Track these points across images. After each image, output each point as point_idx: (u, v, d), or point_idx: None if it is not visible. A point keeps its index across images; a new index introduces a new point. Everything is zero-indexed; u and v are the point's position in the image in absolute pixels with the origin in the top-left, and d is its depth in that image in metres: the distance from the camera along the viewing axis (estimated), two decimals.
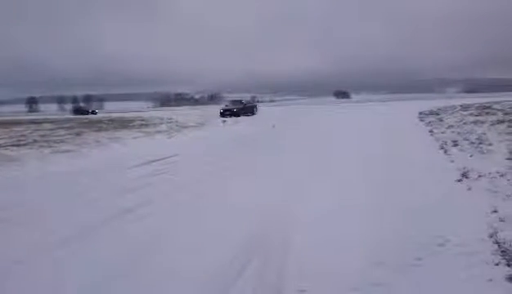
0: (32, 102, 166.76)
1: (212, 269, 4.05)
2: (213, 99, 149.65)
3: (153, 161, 11.04)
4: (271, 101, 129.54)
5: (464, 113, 21.13)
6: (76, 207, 6.55)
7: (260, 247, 4.56)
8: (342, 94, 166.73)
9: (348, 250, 4.36)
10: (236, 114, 32.74)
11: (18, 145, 14.80)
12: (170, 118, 30.26)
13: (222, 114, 32.80)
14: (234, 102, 36.99)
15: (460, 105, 29.39)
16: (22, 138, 18.48)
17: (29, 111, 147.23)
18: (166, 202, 6.69)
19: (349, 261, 4.07)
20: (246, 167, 9.90)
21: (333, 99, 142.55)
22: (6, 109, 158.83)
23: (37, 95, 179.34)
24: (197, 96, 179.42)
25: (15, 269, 4.24)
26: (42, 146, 14.51)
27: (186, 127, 23.19)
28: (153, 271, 4.08)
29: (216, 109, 42.16)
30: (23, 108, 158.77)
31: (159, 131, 20.80)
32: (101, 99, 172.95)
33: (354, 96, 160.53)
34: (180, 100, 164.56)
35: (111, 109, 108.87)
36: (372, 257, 4.12)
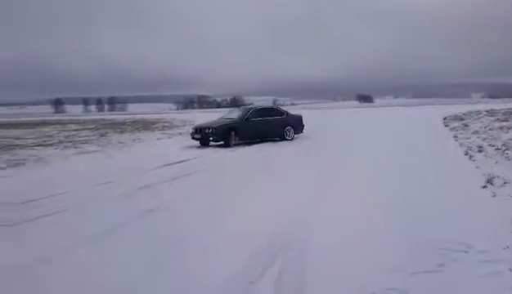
0: (58, 103, 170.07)
1: None
2: (234, 102, 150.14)
3: (174, 163, 11.17)
4: (292, 105, 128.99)
5: (490, 118, 20.75)
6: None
7: None
8: (365, 98, 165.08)
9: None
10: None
11: (44, 145, 15.15)
12: (193, 121, 30.53)
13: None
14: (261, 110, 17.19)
15: (486, 111, 28.90)
16: (49, 138, 18.90)
17: (56, 112, 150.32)
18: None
19: None
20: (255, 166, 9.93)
21: (355, 103, 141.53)
22: (31, 110, 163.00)
23: (62, 96, 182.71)
24: (219, 99, 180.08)
25: None
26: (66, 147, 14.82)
27: None
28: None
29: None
30: (49, 109, 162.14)
31: (182, 134, 21.02)
32: (125, 101, 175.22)
33: (377, 101, 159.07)
34: (202, 102, 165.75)
35: (135, 111, 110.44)
36: (393, 262, 4.07)
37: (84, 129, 27.63)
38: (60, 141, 17.47)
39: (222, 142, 15.00)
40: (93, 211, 6.47)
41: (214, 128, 15.15)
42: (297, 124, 17.38)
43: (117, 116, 66.28)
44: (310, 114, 38.26)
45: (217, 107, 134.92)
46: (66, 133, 23.87)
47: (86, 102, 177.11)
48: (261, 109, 17.18)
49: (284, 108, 20.67)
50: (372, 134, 18.55)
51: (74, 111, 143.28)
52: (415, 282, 3.65)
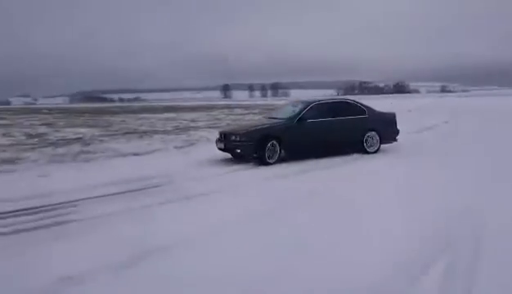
0: (226, 89, 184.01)
1: None
2: (398, 88, 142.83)
3: None
4: (464, 91, 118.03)
5: None
6: None
7: None
8: None
9: None
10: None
11: (214, 127, 16.73)
12: None
13: None
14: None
15: None
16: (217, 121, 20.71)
17: (224, 97, 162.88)
18: None
19: None
20: None
21: None
22: (204, 94, 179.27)
23: (229, 82, 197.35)
24: (381, 85, 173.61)
25: None
26: None
27: None
28: None
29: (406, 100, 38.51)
30: (217, 94, 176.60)
31: None
32: (287, 87, 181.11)
33: None
34: (363, 88, 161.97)
35: (297, 97, 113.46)
36: None
37: (249, 113, 29.46)
38: (228, 124, 18.96)
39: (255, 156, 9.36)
40: (252, 190, 7.07)
41: (242, 135, 9.53)
42: (385, 128, 10.87)
43: (279, 101, 68.79)
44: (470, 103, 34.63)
45: (380, 93, 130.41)
46: (233, 117, 25.83)
47: (251, 88, 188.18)
48: (326, 103, 10.77)
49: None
50: None
51: (240, 96, 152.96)
52: None
